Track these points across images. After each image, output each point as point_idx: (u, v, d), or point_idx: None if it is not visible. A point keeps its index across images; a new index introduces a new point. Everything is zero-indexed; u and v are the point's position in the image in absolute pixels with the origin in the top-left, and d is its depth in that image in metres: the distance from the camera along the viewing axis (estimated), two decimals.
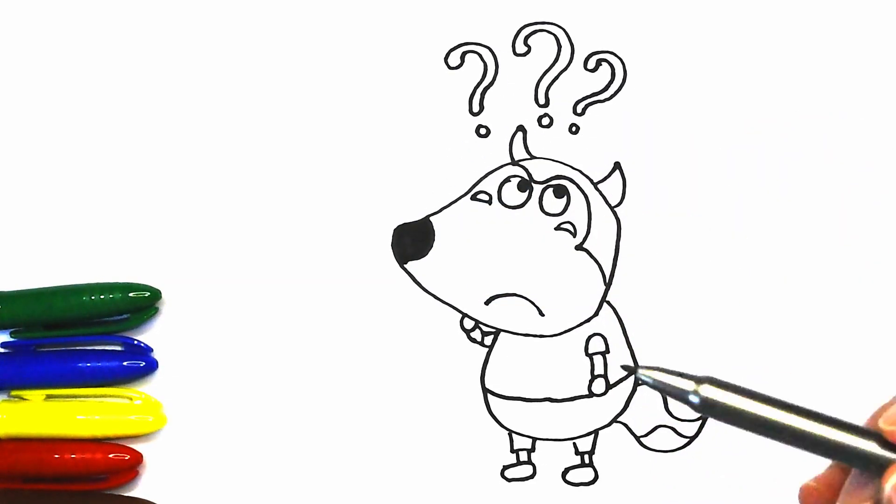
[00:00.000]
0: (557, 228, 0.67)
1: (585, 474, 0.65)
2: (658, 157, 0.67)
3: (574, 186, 0.67)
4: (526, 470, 0.66)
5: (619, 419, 0.66)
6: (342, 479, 0.65)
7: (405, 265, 0.67)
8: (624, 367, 0.54)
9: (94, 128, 0.68)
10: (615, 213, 0.67)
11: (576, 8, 0.68)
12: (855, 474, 0.48)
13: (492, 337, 0.66)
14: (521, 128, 0.68)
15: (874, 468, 0.46)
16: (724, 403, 0.46)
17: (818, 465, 0.65)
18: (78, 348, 0.66)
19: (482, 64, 0.68)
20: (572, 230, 0.67)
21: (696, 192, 0.67)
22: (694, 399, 0.46)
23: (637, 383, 0.66)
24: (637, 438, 0.66)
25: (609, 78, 0.68)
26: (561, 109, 0.68)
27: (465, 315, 0.66)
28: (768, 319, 0.66)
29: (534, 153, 0.67)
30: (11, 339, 0.66)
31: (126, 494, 0.65)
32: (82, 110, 0.68)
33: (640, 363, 0.63)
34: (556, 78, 0.68)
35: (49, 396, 0.66)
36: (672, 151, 0.67)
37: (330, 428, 0.66)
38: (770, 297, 0.66)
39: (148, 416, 0.65)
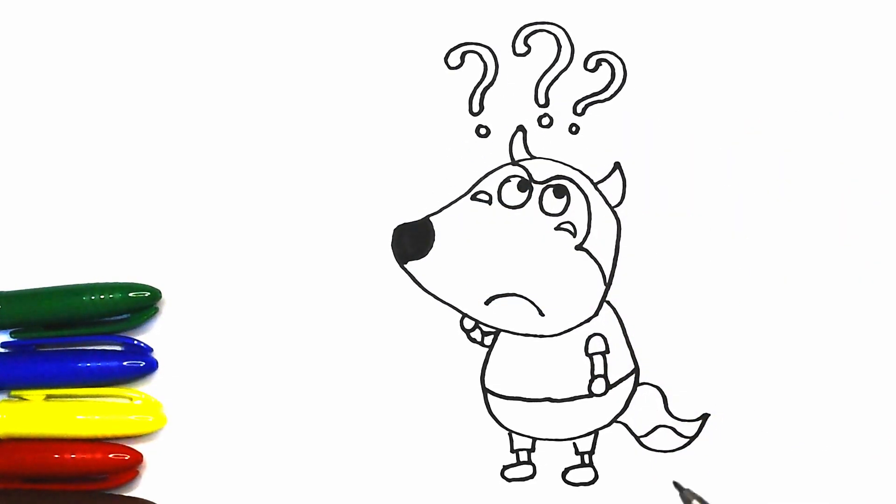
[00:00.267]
0: (557, 228, 0.67)
1: (585, 474, 0.65)
2: (658, 157, 0.67)
3: (574, 186, 0.67)
4: (526, 470, 0.66)
5: (619, 419, 0.66)
6: (342, 479, 0.65)
7: (405, 265, 0.67)
8: (675, 485, 0.58)
9: (94, 128, 0.68)
10: (615, 213, 0.67)
11: (576, 8, 0.68)
12: None
13: (492, 337, 0.66)
14: (521, 128, 0.68)
15: None
16: None
17: (818, 464, 0.65)
18: (78, 348, 0.66)
19: (482, 64, 0.68)
20: (572, 230, 0.67)
21: (696, 192, 0.67)
22: None
23: (637, 383, 0.66)
24: (637, 438, 0.66)
25: (609, 78, 0.68)
26: (561, 109, 0.68)
27: (465, 315, 0.66)
28: (768, 319, 0.66)
29: (534, 153, 0.67)
30: (11, 339, 0.66)
31: (126, 494, 0.65)
32: (82, 110, 0.68)
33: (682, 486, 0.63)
34: (556, 78, 0.68)
35: (49, 396, 0.66)
36: (672, 151, 0.67)
37: (330, 428, 0.66)
38: (770, 297, 0.66)
39: (148, 416, 0.65)
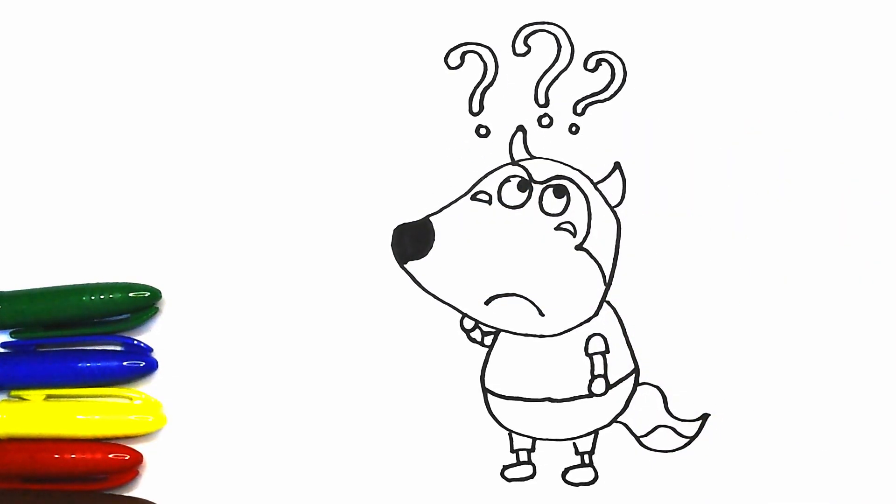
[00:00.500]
0: (557, 228, 0.67)
1: (585, 474, 0.65)
2: (658, 157, 0.67)
3: (574, 186, 0.67)
4: (526, 470, 0.66)
5: (619, 419, 0.66)
6: (342, 479, 0.65)
7: (405, 265, 0.67)
8: None
9: (94, 128, 0.68)
10: (615, 213, 0.67)
11: (576, 8, 0.68)
12: None
13: (492, 337, 0.66)
14: (521, 128, 0.68)
15: None
16: None
17: (818, 464, 0.65)
18: (78, 348, 0.66)
19: (482, 64, 0.68)
20: (572, 230, 0.67)
21: (696, 192, 0.67)
22: None
23: (637, 383, 0.66)
24: (637, 438, 0.66)
25: (609, 78, 0.68)
26: (561, 109, 0.68)
27: (465, 315, 0.66)
28: (768, 319, 0.66)
29: (534, 153, 0.67)
30: (11, 339, 0.66)
31: (126, 494, 0.65)
32: (82, 110, 0.68)
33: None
34: (556, 78, 0.68)
35: (49, 396, 0.66)
36: (672, 151, 0.67)
37: (330, 428, 0.66)
38: (770, 297, 0.66)
39: (148, 416, 0.65)
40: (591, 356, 0.66)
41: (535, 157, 0.67)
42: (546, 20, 0.68)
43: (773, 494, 0.65)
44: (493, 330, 0.66)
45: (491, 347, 0.66)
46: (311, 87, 0.68)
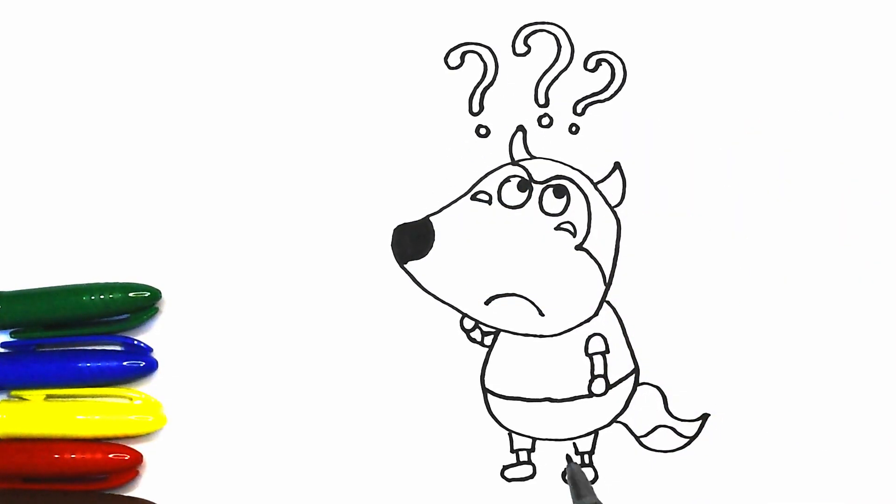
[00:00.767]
0: (557, 228, 0.67)
1: (586, 474, 0.65)
2: (658, 157, 0.67)
3: (574, 186, 0.67)
4: (526, 470, 0.66)
5: (619, 419, 0.66)
6: (342, 479, 0.65)
7: (405, 265, 0.67)
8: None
9: (94, 128, 0.68)
10: (615, 213, 0.67)
11: (576, 8, 0.68)
12: None
13: (492, 337, 0.66)
14: (521, 128, 0.68)
15: None
16: None
17: (817, 464, 0.65)
18: (78, 348, 0.66)
19: (482, 64, 0.68)
20: (572, 230, 0.67)
21: (696, 192, 0.67)
22: None
23: (637, 383, 0.66)
24: (637, 438, 0.66)
25: (609, 78, 0.68)
26: (561, 109, 0.68)
27: (465, 315, 0.66)
28: (768, 319, 0.66)
29: (534, 153, 0.67)
30: (11, 339, 0.66)
31: (126, 494, 0.65)
32: (82, 110, 0.68)
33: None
34: (556, 78, 0.68)
35: (49, 396, 0.66)
36: (672, 151, 0.67)
37: (330, 428, 0.66)
38: (770, 297, 0.66)
39: (148, 416, 0.65)
40: (591, 356, 0.66)
41: (535, 157, 0.67)
42: (546, 20, 0.68)
43: (773, 494, 0.65)
44: (493, 330, 0.66)
45: (491, 347, 0.66)
46: (312, 87, 0.68)
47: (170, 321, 0.67)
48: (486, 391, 0.66)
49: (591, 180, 0.67)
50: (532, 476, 0.65)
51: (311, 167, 0.68)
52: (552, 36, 0.68)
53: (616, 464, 0.65)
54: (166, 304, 0.67)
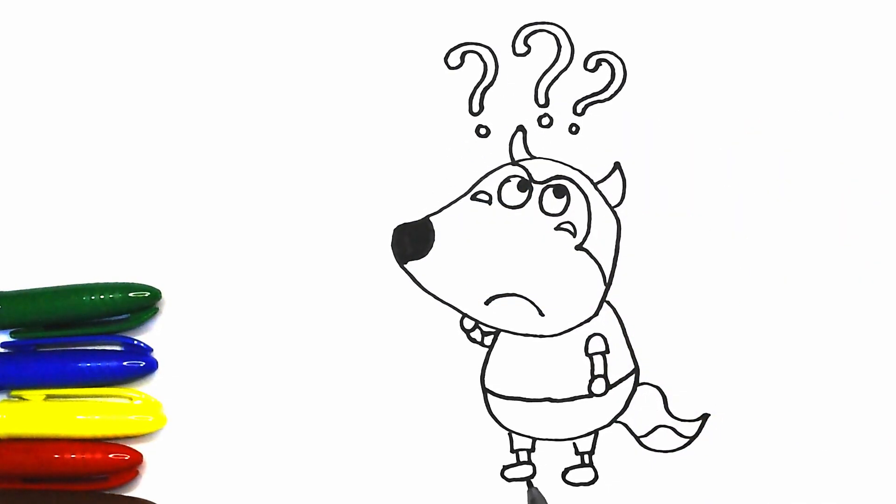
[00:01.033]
0: (557, 228, 0.67)
1: (585, 474, 0.65)
2: (658, 157, 0.67)
3: (574, 186, 0.67)
4: (526, 470, 0.66)
5: (619, 419, 0.66)
6: (342, 479, 0.65)
7: (405, 265, 0.67)
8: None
9: (94, 128, 0.68)
10: (615, 213, 0.67)
11: (576, 8, 0.68)
12: None
13: (492, 337, 0.66)
14: (521, 128, 0.68)
15: None
16: None
17: (817, 464, 0.65)
18: (78, 348, 0.66)
19: (482, 64, 0.68)
20: (572, 230, 0.67)
21: (696, 192, 0.67)
22: None
23: (637, 383, 0.66)
24: (637, 438, 0.66)
25: (609, 78, 0.68)
26: (561, 109, 0.68)
27: (465, 315, 0.66)
28: (768, 319, 0.66)
29: (534, 153, 0.67)
30: (11, 339, 0.66)
31: (126, 494, 0.65)
32: (82, 110, 0.68)
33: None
34: (556, 78, 0.68)
35: (49, 396, 0.66)
36: (672, 151, 0.67)
37: (330, 428, 0.66)
38: (770, 297, 0.66)
39: (148, 416, 0.65)
40: (591, 356, 0.66)
41: (535, 157, 0.67)
42: (546, 20, 0.68)
43: (773, 494, 0.65)
44: (493, 330, 0.66)
45: (491, 347, 0.66)
46: (312, 87, 0.68)
47: (170, 321, 0.67)
48: (486, 391, 0.66)
49: (591, 180, 0.67)
50: (532, 476, 0.65)
51: (311, 167, 0.68)
52: (552, 36, 0.68)
53: (616, 464, 0.65)
54: (166, 304, 0.67)
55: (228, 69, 0.68)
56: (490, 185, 0.67)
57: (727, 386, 0.65)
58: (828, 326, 0.66)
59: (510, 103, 0.68)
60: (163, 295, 0.67)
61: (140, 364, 0.66)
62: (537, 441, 0.66)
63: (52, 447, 0.65)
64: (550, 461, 0.66)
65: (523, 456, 0.66)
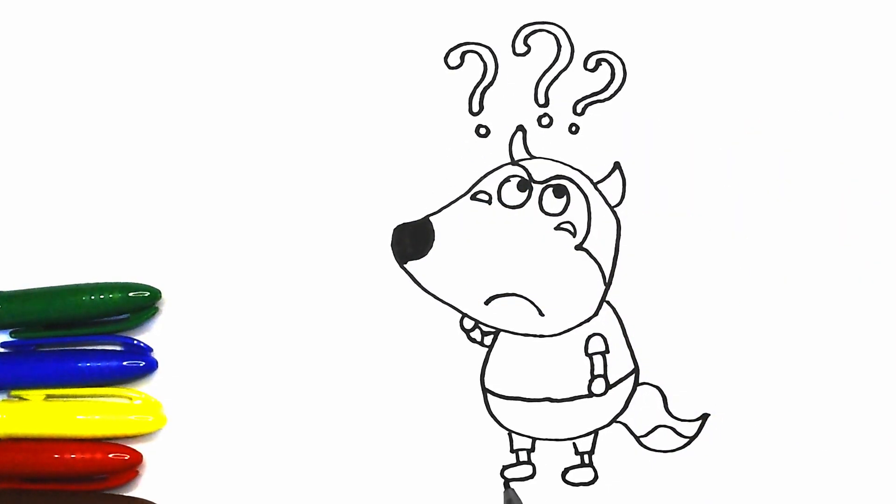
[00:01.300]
0: (557, 228, 0.67)
1: (585, 474, 0.65)
2: (658, 157, 0.67)
3: (574, 186, 0.67)
4: (526, 470, 0.66)
5: (619, 419, 0.66)
6: (342, 479, 0.65)
7: (405, 265, 0.67)
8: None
9: (94, 128, 0.68)
10: (615, 213, 0.67)
11: (576, 8, 0.68)
12: None
13: (492, 337, 0.66)
14: (520, 128, 0.68)
15: None
16: None
17: (817, 464, 0.65)
18: (78, 348, 0.66)
19: (482, 64, 0.68)
20: (572, 230, 0.67)
21: (696, 192, 0.67)
22: None
23: (637, 383, 0.66)
24: (637, 438, 0.66)
25: (609, 78, 0.68)
26: (561, 109, 0.68)
27: (465, 315, 0.66)
28: (768, 319, 0.66)
29: (534, 153, 0.67)
30: (11, 339, 0.66)
31: (126, 494, 0.65)
32: (82, 110, 0.68)
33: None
34: (556, 78, 0.68)
35: (49, 396, 0.66)
36: (672, 151, 0.67)
37: (330, 428, 0.66)
38: (770, 297, 0.66)
39: (148, 416, 0.65)
40: (590, 356, 0.66)
41: (535, 157, 0.67)
42: (546, 20, 0.68)
43: (773, 494, 0.65)
44: (493, 330, 0.66)
45: (491, 347, 0.66)
46: (312, 87, 0.68)
47: (170, 321, 0.67)
48: (486, 391, 0.66)
49: (591, 180, 0.67)
50: (532, 476, 0.65)
51: (311, 167, 0.68)
52: (552, 36, 0.68)
53: (616, 464, 0.65)
54: (166, 304, 0.67)
55: (228, 69, 0.68)
56: (490, 185, 0.67)
57: (727, 386, 0.65)
58: (828, 326, 0.66)
59: (510, 103, 0.68)
60: (163, 295, 0.67)
61: (140, 364, 0.66)
62: (537, 441, 0.66)
63: (52, 447, 0.65)
64: (550, 461, 0.66)
65: (523, 456, 0.66)
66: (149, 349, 0.66)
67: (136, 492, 0.66)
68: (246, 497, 0.65)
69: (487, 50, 0.68)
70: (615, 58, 0.68)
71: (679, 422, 0.65)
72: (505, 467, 0.66)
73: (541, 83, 0.68)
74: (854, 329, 0.66)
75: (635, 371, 0.66)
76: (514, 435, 0.66)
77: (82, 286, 0.66)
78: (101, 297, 0.65)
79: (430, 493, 0.65)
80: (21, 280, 0.67)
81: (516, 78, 0.68)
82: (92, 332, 0.66)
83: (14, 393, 0.66)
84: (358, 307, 0.66)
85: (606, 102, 0.68)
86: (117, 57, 0.69)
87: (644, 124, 0.67)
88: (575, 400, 0.66)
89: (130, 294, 0.65)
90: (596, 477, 0.65)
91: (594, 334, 0.66)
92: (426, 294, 0.67)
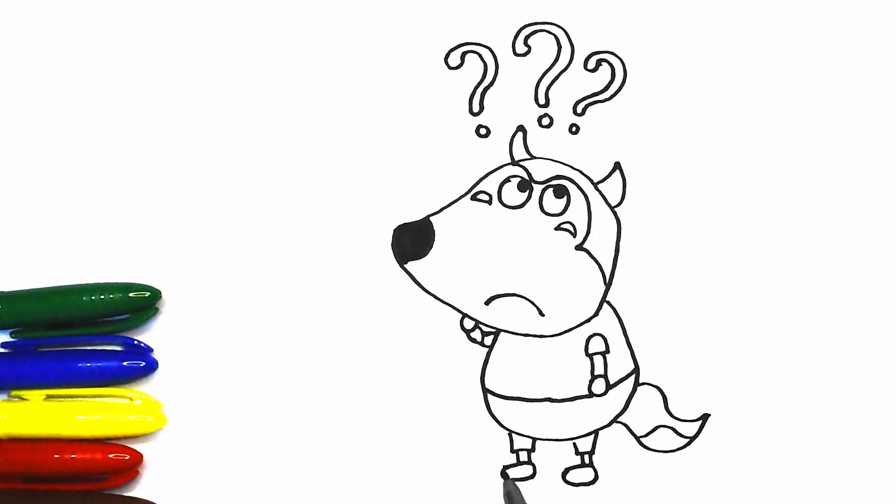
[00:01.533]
0: (557, 228, 0.67)
1: (585, 474, 0.65)
2: (658, 157, 0.67)
3: (574, 186, 0.67)
4: (526, 470, 0.66)
5: (619, 419, 0.66)
6: (342, 479, 0.65)
7: (405, 265, 0.67)
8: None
9: (94, 128, 0.68)
10: (615, 213, 0.67)
11: (576, 8, 0.68)
12: None
13: (492, 337, 0.66)
14: (521, 128, 0.68)
15: None
16: None
17: (817, 464, 0.65)
18: (78, 348, 0.66)
19: (482, 64, 0.68)
20: (572, 230, 0.67)
21: (696, 192, 0.67)
22: None
23: (637, 383, 0.66)
24: (637, 438, 0.66)
25: (609, 78, 0.68)
26: (561, 109, 0.68)
27: (465, 315, 0.66)
28: (768, 320, 0.66)
29: (534, 153, 0.67)
30: (11, 339, 0.66)
31: (126, 494, 0.65)
32: (82, 110, 0.68)
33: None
34: (556, 78, 0.68)
35: (49, 396, 0.66)
36: (672, 151, 0.67)
37: (330, 428, 0.66)
38: (770, 297, 0.66)
39: (148, 416, 0.65)
40: (591, 356, 0.66)
41: (535, 157, 0.67)
42: (546, 20, 0.68)
43: (773, 494, 0.65)
44: (493, 330, 0.66)
45: (491, 347, 0.66)
46: (312, 87, 0.68)
47: (170, 321, 0.67)
48: (486, 391, 0.66)
49: (591, 180, 0.67)
50: (532, 476, 0.65)
51: (311, 167, 0.68)
52: (552, 36, 0.68)
53: (616, 464, 0.65)
54: (166, 304, 0.67)
55: (229, 70, 0.68)
56: (490, 185, 0.67)
57: (727, 386, 0.65)
58: (828, 326, 0.66)
59: (510, 103, 0.68)
60: (163, 295, 0.66)
61: (140, 364, 0.66)
62: (537, 441, 0.66)
63: (52, 447, 0.65)
64: (550, 461, 0.66)
65: (523, 456, 0.66)
66: (149, 349, 0.66)
67: (136, 492, 0.66)
68: (246, 497, 0.65)
69: (487, 50, 0.68)
70: (615, 58, 0.68)
71: (679, 422, 0.65)
72: (505, 467, 0.65)
73: (541, 83, 0.68)
74: (854, 329, 0.66)
75: (635, 371, 0.66)
76: (514, 435, 0.66)
77: (82, 286, 0.66)
78: (102, 297, 0.65)
79: (431, 493, 0.65)
80: (21, 280, 0.67)
81: (516, 78, 0.68)
82: (92, 332, 0.66)
83: (14, 393, 0.66)
84: (358, 307, 0.66)
85: (606, 103, 0.68)
86: (118, 58, 0.69)
87: (644, 124, 0.67)
88: (575, 400, 0.66)
89: (130, 294, 0.65)
90: (596, 477, 0.65)
91: (594, 334, 0.66)
92: (426, 294, 0.67)
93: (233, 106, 0.68)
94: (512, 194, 0.67)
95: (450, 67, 0.68)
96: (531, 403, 0.66)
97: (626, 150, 0.67)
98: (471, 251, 0.67)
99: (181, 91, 0.68)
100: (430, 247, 0.67)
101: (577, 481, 0.65)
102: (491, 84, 0.68)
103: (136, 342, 0.66)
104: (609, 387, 0.66)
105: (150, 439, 0.66)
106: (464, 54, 0.68)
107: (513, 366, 0.66)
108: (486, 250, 0.67)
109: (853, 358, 0.66)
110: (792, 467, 0.65)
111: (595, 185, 0.67)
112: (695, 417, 0.65)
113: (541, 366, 0.66)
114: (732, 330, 0.66)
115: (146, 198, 0.68)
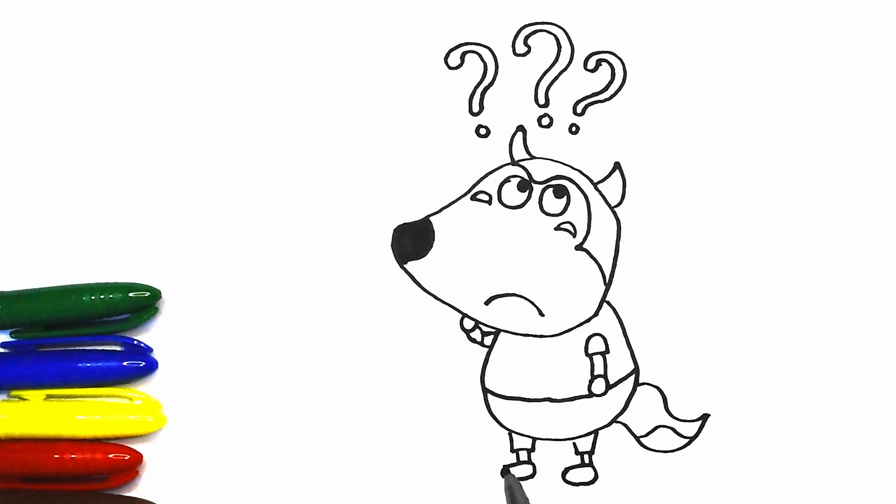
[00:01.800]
0: (557, 228, 0.67)
1: (585, 474, 0.65)
2: (658, 157, 0.67)
3: (574, 186, 0.67)
4: (526, 470, 0.66)
5: (619, 419, 0.66)
6: (342, 479, 0.65)
7: (405, 265, 0.67)
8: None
9: (94, 128, 0.68)
10: (615, 213, 0.67)
11: (576, 8, 0.68)
12: None
13: (492, 337, 0.66)
14: (521, 128, 0.68)
15: None
16: None
17: (817, 465, 0.65)
18: (78, 348, 0.66)
19: (482, 64, 0.68)
20: (572, 230, 0.67)
21: (696, 192, 0.67)
22: None
23: (637, 383, 0.66)
24: (637, 438, 0.66)
25: (609, 78, 0.68)
26: (561, 109, 0.68)
27: (465, 315, 0.66)
28: (768, 319, 0.66)
29: (534, 153, 0.67)
30: (11, 339, 0.66)
31: (126, 494, 0.65)
32: (82, 110, 0.68)
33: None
34: (556, 78, 0.68)
35: (49, 396, 0.66)
36: (672, 151, 0.67)
37: (330, 428, 0.66)
38: (770, 297, 0.66)
39: (148, 416, 0.65)
40: (591, 356, 0.66)
41: (535, 157, 0.67)
42: (546, 20, 0.68)
43: (773, 494, 0.65)
44: (493, 330, 0.66)
45: (491, 347, 0.66)
46: (312, 87, 0.68)
47: (170, 321, 0.67)
48: (486, 391, 0.66)
49: (591, 180, 0.67)
50: (532, 476, 0.65)
51: (311, 167, 0.68)
52: (552, 36, 0.68)
53: (616, 464, 0.65)
54: (166, 304, 0.67)
55: (228, 69, 0.68)
56: (490, 185, 0.67)
57: (727, 386, 0.65)
58: (828, 326, 0.66)
59: (510, 103, 0.68)
60: (163, 295, 0.67)
61: (140, 364, 0.66)
62: (537, 441, 0.66)
63: (52, 447, 0.65)
64: (550, 461, 0.66)
65: (523, 456, 0.66)
66: (149, 349, 0.66)
67: (136, 492, 0.66)
68: (246, 497, 0.65)
69: (487, 50, 0.68)
70: (615, 58, 0.68)
71: (679, 422, 0.65)
72: (505, 467, 0.65)
73: (541, 83, 0.68)
74: (854, 329, 0.66)
75: (635, 371, 0.66)
76: (514, 435, 0.66)
77: (82, 286, 0.66)
78: (102, 297, 0.65)
79: (431, 493, 0.65)
80: (21, 280, 0.67)
81: (516, 78, 0.68)
82: (92, 332, 0.66)
83: (14, 393, 0.66)
84: (358, 307, 0.66)
85: (606, 103, 0.68)
86: (118, 57, 0.69)
87: (644, 124, 0.67)
88: (575, 400, 0.66)
89: (130, 294, 0.65)
90: (596, 477, 0.65)
91: (594, 334, 0.66)
92: (426, 294, 0.67)
93: (233, 106, 0.68)
94: (512, 194, 0.67)
95: (450, 67, 0.68)
96: (531, 403, 0.66)
97: (625, 150, 0.67)
98: (471, 251, 0.67)
99: (181, 91, 0.68)
100: (430, 247, 0.67)
101: (576, 481, 0.65)
102: (491, 84, 0.68)
103: (136, 342, 0.66)
104: (609, 387, 0.66)
105: (149, 439, 0.66)
106: (464, 54, 0.68)
107: (513, 366, 0.66)
108: (485, 250, 0.67)
109: (853, 358, 0.66)
110: (792, 467, 0.65)
111: (595, 185, 0.67)
112: (694, 417, 0.65)
113: (541, 366, 0.66)
114: (732, 330, 0.66)
115: (146, 198, 0.68)
